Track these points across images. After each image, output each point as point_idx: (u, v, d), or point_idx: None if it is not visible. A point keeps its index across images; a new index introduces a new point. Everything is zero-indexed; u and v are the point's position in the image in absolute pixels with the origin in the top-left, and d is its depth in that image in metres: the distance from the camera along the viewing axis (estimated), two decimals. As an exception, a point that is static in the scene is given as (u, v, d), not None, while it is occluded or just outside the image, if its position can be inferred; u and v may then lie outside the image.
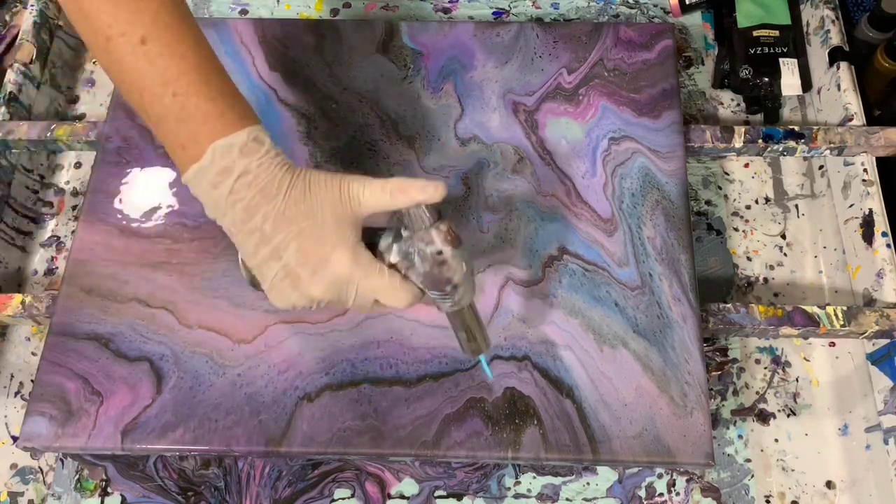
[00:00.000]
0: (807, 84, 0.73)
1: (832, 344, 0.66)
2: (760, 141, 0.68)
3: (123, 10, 0.45)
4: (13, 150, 0.71)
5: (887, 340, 0.61)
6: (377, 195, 0.47)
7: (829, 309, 0.60)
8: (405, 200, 0.47)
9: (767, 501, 0.61)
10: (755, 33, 0.73)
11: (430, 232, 0.47)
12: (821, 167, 0.72)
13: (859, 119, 0.69)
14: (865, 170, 0.66)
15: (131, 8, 0.45)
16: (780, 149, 0.68)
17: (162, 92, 0.45)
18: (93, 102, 0.78)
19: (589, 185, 0.65)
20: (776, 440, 0.63)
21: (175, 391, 0.58)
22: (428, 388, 0.58)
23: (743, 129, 0.68)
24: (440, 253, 0.47)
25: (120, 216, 0.65)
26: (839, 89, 0.70)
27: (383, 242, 0.48)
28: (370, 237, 0.48)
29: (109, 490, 0.61)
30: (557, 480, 0.61)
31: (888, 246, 0.63)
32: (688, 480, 0.61)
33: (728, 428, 0.63)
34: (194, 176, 0.46)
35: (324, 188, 0.46)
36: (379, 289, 0.47)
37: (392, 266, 0.48)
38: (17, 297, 0.63)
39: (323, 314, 0.60)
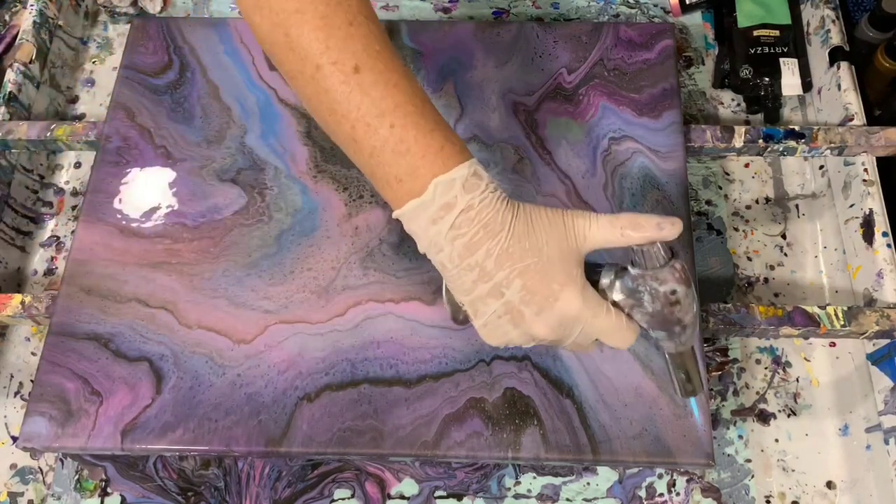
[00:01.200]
0: (807, 84, 0.73)
1: (832, 344, 0.66)
2: (761, 141, 0.68)
3: (335, 37, 0.44)
4: (13, 150, 0.71)
5: (887, 340, 0.61)
6: (605, 231, 0.45)
7: (830, 309, 0.60)
8: (638, 238, 0.44)
9: (767, 501, 0.61)
10: (755, 33, 0.73)
11: (664, 271, 0.44)
12: (821, 167, 0.72)
13: (859, 119, 0.69)
14: (866, 170, 0.66)
15: (343, 35, 0.44)
16: (781, 149, 0.68)
17: (378, 123, 0.44)
18: (93, 102, 0.78)
19: (589, 185, 0.65)
20: (776, 440, 0.63)
21: (175, 391, 0.58)
22: (428, 388, 0.58)
23: (743, 129, 0.68)
24: (674, 293, 0.44)
25: (120, 216, 0.65)
26: (839, 89, 0.70)
27: (605, 279, 0.46)
28: (589, 274, 0.46)
29: (109, 490, 0.61)
30: (557, 480, 0.61)
31: (888, 246, 0.63)
32: (688, 481, 0.61)
33: (728, 428, 0.63)
34: (412, 210, 0.44)
35: (547, 223, 0.45)
36: (604, 329, 0.45)
37: (615, 304, 0.46)
38: (17, 297, 0.63)
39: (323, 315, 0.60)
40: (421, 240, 0.45)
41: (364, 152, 0.45)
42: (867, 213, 0.65)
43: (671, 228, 0.44)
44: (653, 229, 0.44)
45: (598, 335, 0.46)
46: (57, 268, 0.71)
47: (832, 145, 0.67)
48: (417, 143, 0.44)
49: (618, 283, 0.45)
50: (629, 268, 0.45)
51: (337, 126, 0.45)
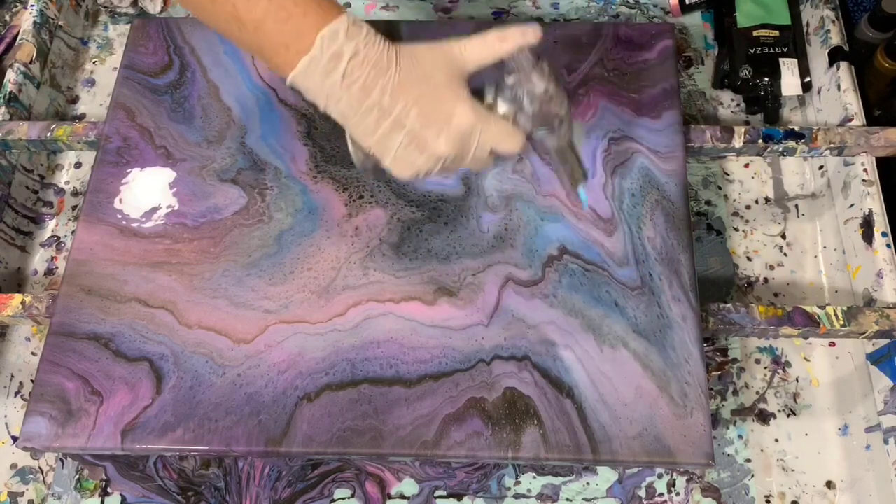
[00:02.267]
0: (807, 84, 0.73)
1: (832, 344, 0.66)
2: (760, 141, 0.68)
3: None
4: (13, 150, 0.71)
5: (887, 340, 0.61)
6: (479, 49, 0.49)
7: (829, 309, 0.60)
8: (507, 47, 0.49)
9: (767, 501, 0.61)
10: (755, 33, 0.73)
11: (535, 73, 0.49)
12: (821, 167, 0.72)
13: (859, 119, 0.69)
14: (865, 170, 0.66)
15: None
16: (780, 149, 0.68)
17: None
18: (93, 102, 0.78)
19: (589, 185, 0.65)
20: (776, 440, 0.63)
21: (175, 391, 0.58)
22: (428, 388, 0.58)
23: (743, 129, 0.68)
24: (547, 91, 0.49)
25: (120, 216, 0.65)
26: (839, 89, 0.70)
27: (488, 97, 0.51)
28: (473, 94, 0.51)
29: (109, 490, 0.61)
30: (557, 480, 0.61)
31: (888, 246, 0.63)
32: (688, 480, 0.61)
33: (728, 428, 0.63)
34: (305, 69, 0.47)
35: (429, 54, 0.49)
36: (496, 135, 0.50)
37: (502, 115, 0.51)
38: (17, 297, 0.63)
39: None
40: (318, 96, 0.48)
41: (248, 29, 0.48)
42: (867, 213, 0.65)
43: (533, 33, 0.49)
44: (518, 37, 0.49)
45: (492, 143, 0.50)
46: (57, 268, 0.71)
47: (832, 145, 0.67)
48: (296, 7, 0.47)
49: (500, 97, 0.51)
50: (505, 78, 0.50)
51: (220, 9, 0.48)
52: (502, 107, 0.51)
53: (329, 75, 0.47)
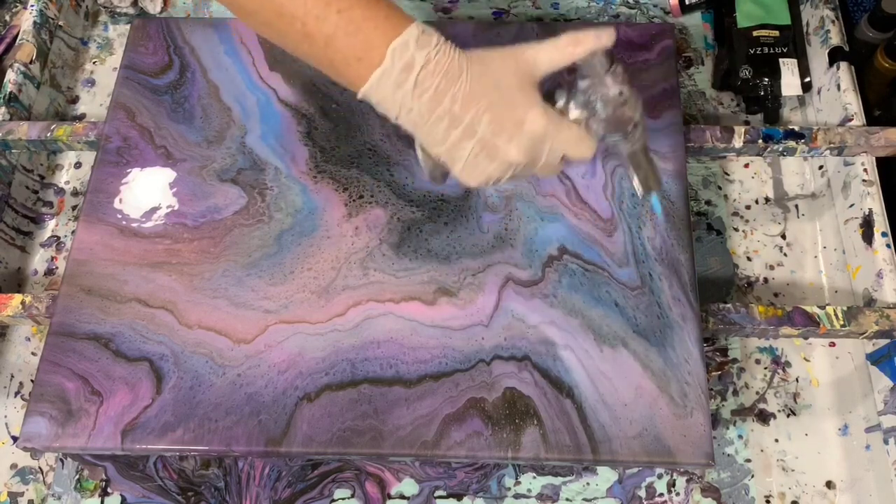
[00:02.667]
0: (806, 84, 0.73)
1: (832, 344, 0.66)
2: (760, 141, 0.68)
3: None
4: (13, 150, 0.71)
5: (887, 340, 0.61)
6: (551, 53, 0.48)
7: (829, 309, 0.60)
8: (580, 52, 0.48)
9: (767, 501, 0.61)
10: (755, 33, 0.73)
11: (609, 77, 0.49)
12: (821, 167, 0.72)
13: (859, 119, 0.69)
14: (865, 170, 0.66)
15: None
16: (780, 149, 0.68)
17: (326, 13, 0.46)
18: (93, 102, 0.78)
19: (589, 185, 0.65)
20: (776, 440, 0.63)
21: (175, 391, 0.58)
22: (428, 388, 0.58)
23: (743, 129, 0.68)
24: (621, 93, 0.49)
25: (120, 216, 0.65)
26: (839, 89, 0.70)
27: (560, 101, 0.50)
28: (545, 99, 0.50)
29: (109, 490, 0.61)
30: (557, 480, 0.61)
31: (888, 246, 0.63)
32: (688, 480, 0.61)
33: (728, 428, 0.63)
34: (377, 81, 0.47)
35: (500, 60, 0.48)
36: (568, 141, 0.49)
37: (573, 120, 0.50)
38: (17, 297, 0.63)
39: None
40: (390, 108, 0.48)
41: (319, 44, 0.47)
42: (867, 213, 0.65)
43: (608, 35, 0.48)
44: (592, 40, 0.48)
45: (564, 149, 0.50)
46: (57, 268, 0.71)
47: (832, 145, 0.67)
48: (366, 20, 0.47)
49: (572, 102, 0.50)
50: (578, 82, 0.50)
51: (289, 27, 0.48)
52: (574, 112, 0.50)
53: (401, 86, 0.47)
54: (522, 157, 0.48)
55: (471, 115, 0.47)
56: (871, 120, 0.70)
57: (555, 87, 0.50)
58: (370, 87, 0.47)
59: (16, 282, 0.70)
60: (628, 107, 0.50)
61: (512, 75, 0.48)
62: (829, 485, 0.61)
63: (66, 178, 0.75)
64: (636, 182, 0.55)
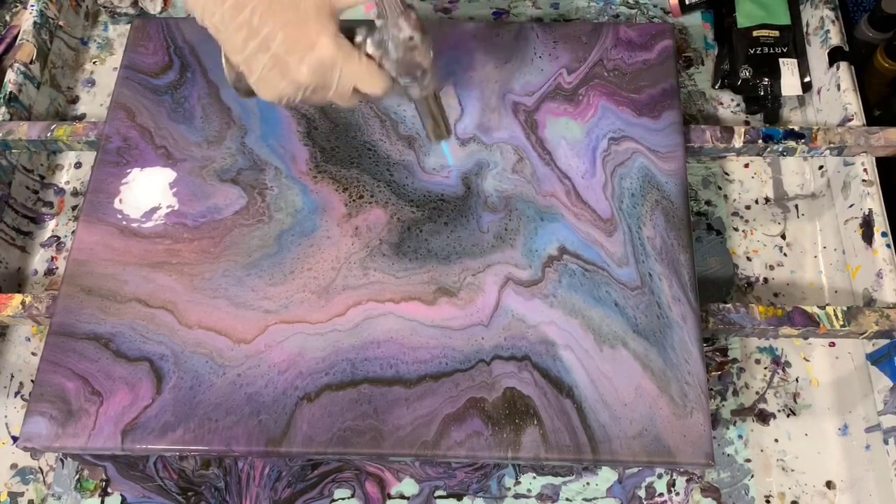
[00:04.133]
0: (806, 84, 0.73)
1: (832, 344, 0.66)
2: (760, 141, 0.68)
3: None
4: (13, 151, 0.71)
5: (887, 340, 0.61)
6: None
7: (829, 309, 0.60)
8: None
9: (767, 501, 0.61)
10: (755, 33, 0.73)
11: (401, 19, 0.51)
12: (820, 167, 0.72)
13: (859, 119, 0.69)
14: (865, 170, 0.66)
15: None
16: (780, 149, 0.68)
17: None
18: (93, 102, 0.79)
19: (589, 185, 0.65)
20: (776, 440, 0.63)
21: (175, 391, 0.58)
22: (428, 388, 0.58)
23: (743, 129, 0.68)
24: (411, 38, 0.51)
25: (120, 216, 0.65)
26: (839, 89, 0.70)
27: (359, 36, 0.52)
28: (346, 33, 0.52)
29: (109, 490, 0.61)
30: (557, 480, 0.61)
31: (888, 246, 0.63)
32: (688, 480, 0.61)
33: (728, 428, 0.63)
34: None
35: None
36: (359, 74, 0.52)
37: (369, 56, 0.52)
38: (17, 297, 0.63)
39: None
40: (196, 6, 0.50)
41: None
42: (867, 213, 0.65)
43: None
44: None
45: (355, 81, 0.52)
46: (57, 268, 0.71)
47: (832, 145, 0.67)
48: None
49: (369, 39, 0.52)
50: (376, 22, 0.52)
51: None
52: (370, 48, 0.52)
53: None
54: (311, 80, 0.51)
55: (267, 29, 0.49)
56: (871, 120, 0.70)
57: (358, 24, 0.53)
58: None
59: (16, 282, 0.70)
60: (418, 52, 0.52)
61: (311, 1, 0.50)
62: (829, 485, 0.61)
63: (67, 178, 0.75)
64: (427, 129, 0.58)
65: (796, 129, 0.68)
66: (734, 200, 0.72)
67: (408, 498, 0.61)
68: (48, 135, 0.69)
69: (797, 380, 0.65)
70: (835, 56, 0.71)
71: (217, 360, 0.59)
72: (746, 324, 0.60)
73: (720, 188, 0.72)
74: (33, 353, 0.67)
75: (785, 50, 0.73)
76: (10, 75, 0.72)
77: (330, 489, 0.61)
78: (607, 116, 0.68)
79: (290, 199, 0.65)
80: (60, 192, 0.74)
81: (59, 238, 0.72)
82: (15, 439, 0.64)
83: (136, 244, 0.64)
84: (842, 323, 0.60)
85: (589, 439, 0.56)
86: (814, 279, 0.69)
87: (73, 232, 0.70)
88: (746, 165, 0.74)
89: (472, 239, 0.63)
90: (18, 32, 0.75)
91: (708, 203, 0.71)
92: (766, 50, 0.73)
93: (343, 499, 0.61)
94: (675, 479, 0.61)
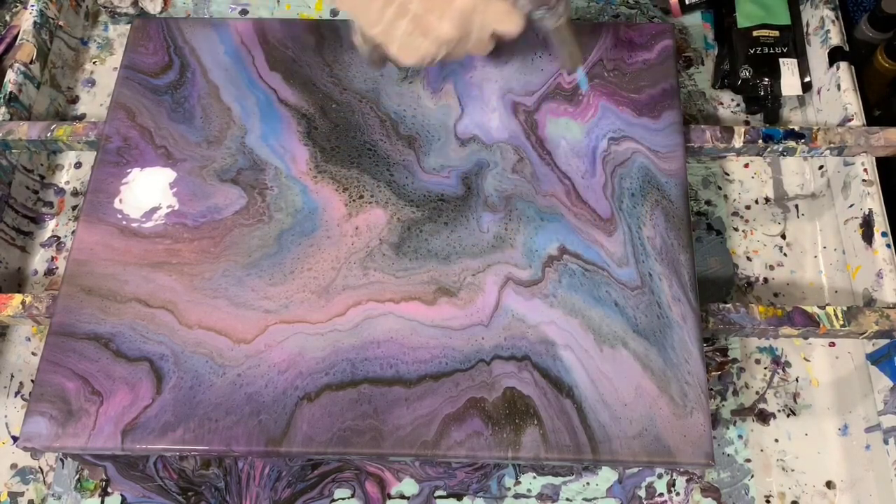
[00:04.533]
0: (806, 84, 0.73)
1: (832, 344, 0.66)
2: (760, 141, 0.68)
3: None
4: (13, 151, 0.71)
5: (887, 340, 0.61)
6: None
7: (829, 309, 0.60)
8: None
9: (767, 501, 0.61)
10: (755, 33, 0.73)
11: None
12: (821, 167, 0.72)
13: (859, 119, 0.69)
14: (865, 170, 0.66)
15: None
16: (780, 149, 0.68)
17: None
18: (93, 102, 0.79)
19: (588, 185, 0.65)
20: (776, 440, 0.63)
21: (175, 391, 0.58)
22: (428, 388, 0.58)
23: (743, 129, 0.68)
24: None
25: (120, 216, 0.65)
26: (839, 89, 0.70)
27: None
28: None
29: (109, 490, 0.61)
30: (557, 480, 0.61)
31: (888, 246, 0.63)
32: (688, 480, 0.61)
33: (728, 428, 0.63)
34: None
35: None
36: (496, 15, 0.53)
37: None
38: (17, 297, 0.63)
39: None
40: None
41: None
42: (867, 213, 0.65)
43: None
44: None
45: (493, 24, 0.53)
46: (57, 268, 0.71)
47: (832, 145, 0.67)
48: None
49: None
50: None
51: None
52: None
53: None
54: (454, 32, 0.51)
55: None
56: (871, 120, 0.70)
57: None
58: None
59: (16, 282, 0.70)
60: None
61: None
62: (829, 485, 0.61)
63: (67, 178, 0.75)
64: (563, 58, 0.59)
65: (796, 129, 0.68)
66: (734, 200, 0.72)
67: (408, 498, 0.61)
68: (48, 135, 0.69)
69: (797, 380, 0.65)
70: (835, 56, 0.71)
71: (217, 360, 0.59)
72: (746, 324, 0.60)
73: (720, 188, 0.72)
74: (33, 353, 0.67)
75: (785, 50, 0.73)
76: (10, 75, 0.72)
77: (330, 489, 0.61)
78: (607, 116, 0.68)
79: (290, 199, 0.65)
80: (60, 192, 0.74)
81: (59, 238, 0.72)
82: (15, 439, 0.64)
83: (136, 244, 0.64)
84: (842, 323, 0.60)
85: (589, 439, 0.56)
86: (814, 279, 0.69)
87: (73, 232, 0.70)
88: (746, 165, 0.74)
89: (472, 239, 0.63)
90: (18, 32, 0.75)
91: (708, 203, 0.71)
92: (766, 50, 0.73)
93: (343, 499, 0.61)
94: (675, 479, 0.61)
